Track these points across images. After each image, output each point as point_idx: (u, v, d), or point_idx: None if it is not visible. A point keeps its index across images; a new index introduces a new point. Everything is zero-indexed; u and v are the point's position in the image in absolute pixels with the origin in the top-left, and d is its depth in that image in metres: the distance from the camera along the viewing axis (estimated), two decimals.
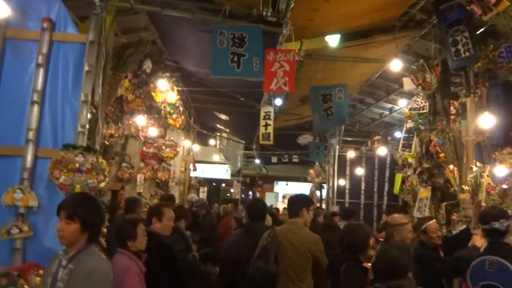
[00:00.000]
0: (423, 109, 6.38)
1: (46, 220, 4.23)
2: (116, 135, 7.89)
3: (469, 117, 5.74)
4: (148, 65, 6.72)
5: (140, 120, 8.64)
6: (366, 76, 8.31)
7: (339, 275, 3.67)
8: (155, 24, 6.44)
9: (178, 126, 9.59)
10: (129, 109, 8.10)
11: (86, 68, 4.58)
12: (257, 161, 17.71)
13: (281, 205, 17.12)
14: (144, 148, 9.40)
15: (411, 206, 10.41)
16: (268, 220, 6.53)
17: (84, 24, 5.15)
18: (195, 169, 13.36)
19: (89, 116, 4.64)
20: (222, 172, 20.15)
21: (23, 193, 4.15)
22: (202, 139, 14.55)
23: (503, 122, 7.01)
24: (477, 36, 5.68)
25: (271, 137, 8.60)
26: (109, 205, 6.64)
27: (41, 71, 4.45)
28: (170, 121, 9.23)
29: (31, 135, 4.35)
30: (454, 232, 5.35)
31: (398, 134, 12.19)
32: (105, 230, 5.35)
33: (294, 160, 17.48)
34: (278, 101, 8.34)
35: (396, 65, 6.78)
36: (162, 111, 9.14)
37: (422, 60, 6.37)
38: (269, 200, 21.12)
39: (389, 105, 11.19)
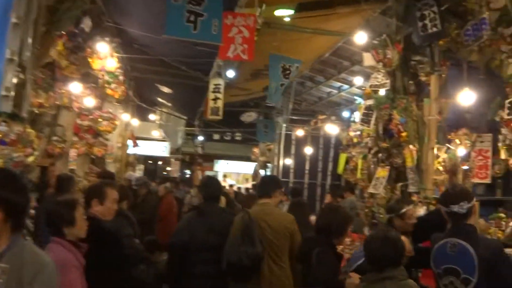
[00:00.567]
0: (383, 86, 6.11)
1: None
2: (47, 105, 6.98)
3: (433, 95, 5.55)
4: (87, 24, 5.90)
5: (75, 89, 7.72)
6: (323, 50, 7.96)
7: (311, 261, 3.31)
8: None
9: (117, 97, 8.74)
10: (62, 76, 7.18)
11: (14, 20, 3.85)
12: (200, 137, 17.08)
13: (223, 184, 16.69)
14: (78, 121, 8.47)
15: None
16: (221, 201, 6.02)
17: None
18: (135, 145, 12.53)
19: (15, 79, 3.91)
20: (160, 149, 19.29)
21: None
22: (141, 114, 13.67)
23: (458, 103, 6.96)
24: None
25: (220, 112, 8.05)
26: (37, 183, 5.85)
27: None
28: (108, 91, 8.37)
29: None
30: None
31: (345, 114, 12.10)
32: (32, 211, 4.64)
33: (237, 138, 17.05)
34: (230, 73, 7.79)
35: (360, 38, 6.42)
36: (100, 80, 8.25)
37: (385, 35, 6.07)
38: None
39: (338, 84, 10.99)
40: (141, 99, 12.54)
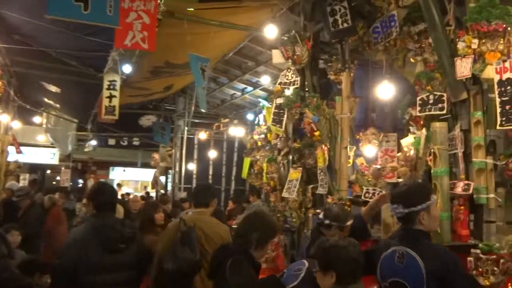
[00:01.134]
0: (293, 84, 5.87)
1: None
2: None
3: (344, 93, 5.39)
4: None
5: None
6: (228, 48, 7.56)
7: (224, 273, 2.83)
8: None
9: None
10: None
11: None
12: (93, 142, 15.74)
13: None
14: None
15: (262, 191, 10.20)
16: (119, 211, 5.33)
17: None
18: (19, 152, 11.07)
19: None
20: (48, 156, 17.51)
21: None
22: (24, 116, 12.17)
23: (364, 103, 6.98)
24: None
25: (116, 111, 7.25)
26: None
27: None
28: None
29: None
30: None
31: (249, 117, 11.85)
32: None
33: (134, 143, 16.04)
34: (127, 69, 7.04)
35: (270, 32, 6.09)
36: None
37: (294, 31, 5.83)
38: None
39: (242, 86, 10.69)
40: (24, 99, 11.12)
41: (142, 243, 3.62)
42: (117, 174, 22.72)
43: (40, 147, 16.49)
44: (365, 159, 5.74)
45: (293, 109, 5.77)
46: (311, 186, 5.93)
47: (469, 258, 3.83)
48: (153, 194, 13.59)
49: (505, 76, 4.07)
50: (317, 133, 5.26)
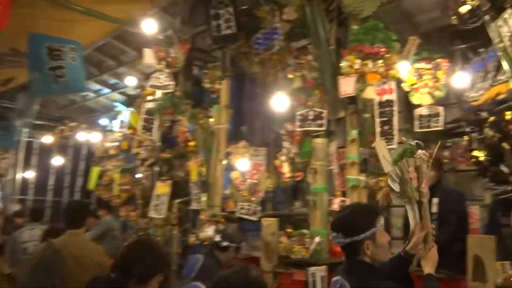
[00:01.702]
0: (166, 89, 5.39)
1: None
2: None
3: (223, 102, 5.10)
4: None
5: None
6: (89, 40, 6.67)
7: None
8: None
9: None
10: None
11: None
12: None
13: None
14: None
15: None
16: None
17: None
18: None
19: None
20: None
21: None
22: None
23: (235, 115, 6.78)
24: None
25: None
26: None
27: None
28: None
29: None
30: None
31: (103, 122, 10.79)
32: None
33: None
34: None
35: (148, 27, 5.46)
36: None
37: (171, 31, 5.38)
38: None
39: (98, 86, 9.67)
40: None
41: None
42: None
43: None
44: (240, 173, 5.50)
45: (165, 115, 5.28)
46: (178, 200, 5.47)
47: None
48: None
49: (384, 98, 4.23)
50: (192, 143, 4.86)
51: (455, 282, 3.64)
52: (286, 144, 5.45)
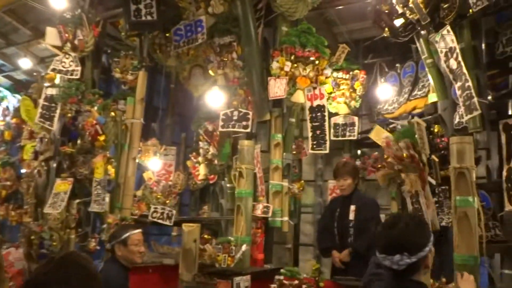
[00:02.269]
0: (72, 74, 4.76)
1: None
2: None
3: (139, 95, 4.65)
4: None
5: None
6: None
7: None
8: None
9: None
10: None
11: None
12: None
13: None
14: None
15: None
16: None
17: None
18: None
19: None
20: None
21: None
22: None
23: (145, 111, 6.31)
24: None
25: None
26: None
27: None
28: None
29: None
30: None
31: None
32: None
33: None
34: None
35: (55, 2, 4.76)
36: None
37: (80, 10, 4.79)
38: None
39: None
40: None
41: None
42: None
43: None
44: (153, 173, 5.09)
45: (68, 104, 4.67)
46: (77, 201, 4.86)
47: (272, 285, 3.68)
48: None
49: (315, 103, 4.17)
50: (101, 138, 4.34)
51: None
52: (202, 144, 5.18)
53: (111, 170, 4.71)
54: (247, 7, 4.28)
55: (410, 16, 3.38)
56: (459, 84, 3.18)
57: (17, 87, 7.44)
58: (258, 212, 4.05)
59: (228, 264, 3.52)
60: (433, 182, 3.29)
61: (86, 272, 1.72)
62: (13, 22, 6.16)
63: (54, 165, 4.86)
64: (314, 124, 4.19)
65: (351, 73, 5.32)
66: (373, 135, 3.12)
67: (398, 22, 3.70)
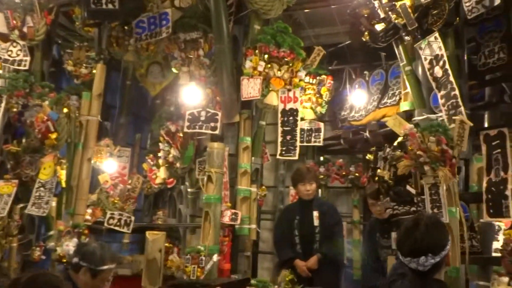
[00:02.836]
0: (19, 65, 4.29)
1: None
2: None
3: (96, 90, 4.26)
4: None
5: None
6: None
7: None
8: None
9: None
10: None
11: None
12: None
13: None
14: None
15: None
16: None
17: None
18: None
19: None
20: None
21: None
22: None
23: None
24: None
25: None
26: None
27: None
28: None
29: None
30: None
31: None
32: None
33: None
34: None
35: None
36: None
37: None
38: None
39: None
40: None
41: None
42: None
43: None
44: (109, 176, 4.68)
45: (15, 98, 4.20)
46: (21, 205, 4.38)
47: None
48: None
49: (288, 106, 4.00)
50: (53, 136, 3.91)
51: None
52: (163, 146, 4.86)
53: (60, 172, 4.28)
54: (220, 2, 4.03)
55: (396, 21, 3.30)
56: (443, 92, 3.13)
57: None
58: (226, 219, 3.81)
59: (198, 276, 3.25)
60: (413, 191, 3.23)
61: None
62: None
63: None
64: (285, 128, 4.01)
65: (317, 78, 5.24)
66: (390, 124, 3.07)
67: (379, 27, 3.62)
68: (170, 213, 5.36)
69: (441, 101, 3.16)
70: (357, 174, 5.30)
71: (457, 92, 2.99)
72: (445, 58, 3.04)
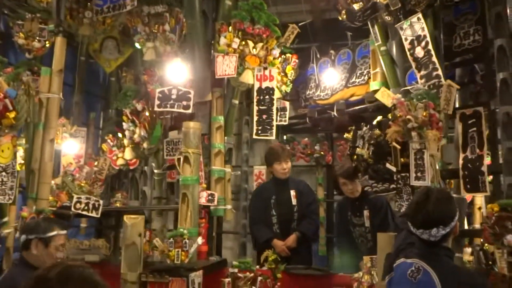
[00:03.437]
0: None
1: None
2: None
3: (57, 65, 3.94)
4: None
5: None
6: None
7: None
8: None
9: None
10: None
11: None
12: None
13: None
14: None
15: None
16: None
17: None
18: None
19: None
20: None
21: None
22: None
23: None
24: None
25: None
26: None
27: None
28: None
29: None
30: None
31: None
32: None
33: None
34: None
35: None
36: None
37: None
38: None
39: None
40: None
41: None
42: None
43: None
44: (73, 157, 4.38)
45: None
46: None
47: (226, 280, 3.41)
48: None
49: (264, 84, 3.94)
50: (11, 115, 3.57)
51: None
52: (127, 126, 4.62)
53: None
54: None
55: (378, 0, 3.31)
56: (423, 72, 3.21)
57: None
58: (203, 201, 3.72)
59: (182, 260, 3.15)
60: (393, 168, 3.31)
61: None
62: None
63: None
64: (261, 107, 3.95)
65: (282, 56, 5.19)
66: (379, 96, 3.14)
67: (356, 6, 3.63)
68: (132, 195, 5.15)
69: (420, 81, 3.24)
70: (322, 153, 5.36)
71: (439, 72, 3.08)
72: (428, 38, 3.11)
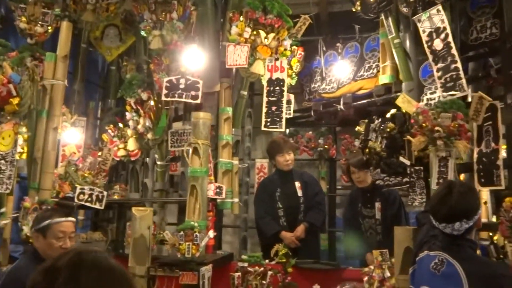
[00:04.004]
0: None
1: None
2: None
3: (62, 51, 3.82)
4: None
5: None
6: None
7: None
8: None
9: None
10: None
11: None
12: None
13: None
14: None
15: None
16: None
17: None
18: None
19: None
20: None
21: None
22: None
23: None
24: None
25: None
26: None
27: None
28: None
29: None
30: None
31: None
32: None
33: None
34: None
35: None
36: None
37: None
38: None
39: None
40: None
41: None
42: None
43: None
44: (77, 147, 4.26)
45: None
46: None
47: (236, 274, 3.34)
48: None
49: (275, 76, 3.86)
50: (15, 101, 3.46)
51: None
52: (130, 115, 4.50)
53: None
54: None
55: None
56: (440, 65, 3.15)
57: None
58: (211, 193, 3.63)
59: (193, 254, 3.07)
60: (407, 162, 3.27)
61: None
62: None
63: None
64: (270, 99, 3.87)
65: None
66: (399, 102, 3.07)
67: None
68: (133, 188, 5.03)
69: (437, 74, 3.19)
70: (326, 147, 5.30)
71: (458, 64, 3.03)
72: (448, 30, 3.05)
